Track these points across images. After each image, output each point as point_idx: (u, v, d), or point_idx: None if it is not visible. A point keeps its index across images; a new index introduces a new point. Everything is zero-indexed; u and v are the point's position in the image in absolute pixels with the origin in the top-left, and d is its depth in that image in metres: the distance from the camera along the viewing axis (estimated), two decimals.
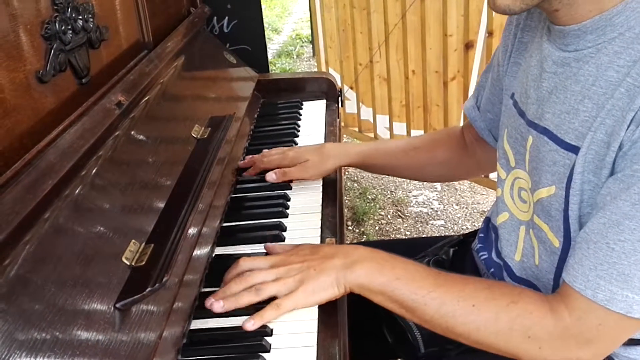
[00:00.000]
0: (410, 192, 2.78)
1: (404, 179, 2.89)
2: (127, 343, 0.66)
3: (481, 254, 0.92)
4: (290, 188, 1.12)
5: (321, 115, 1.45)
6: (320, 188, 1.13)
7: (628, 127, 0.65)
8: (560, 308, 0.69)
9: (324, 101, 1.51)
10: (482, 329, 0.72)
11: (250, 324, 0.75)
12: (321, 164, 1.11)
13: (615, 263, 0.64)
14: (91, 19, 0.86)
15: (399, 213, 2.64)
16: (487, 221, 0.97)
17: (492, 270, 0.88)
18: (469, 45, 2.44)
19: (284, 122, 1.39)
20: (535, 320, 0.70)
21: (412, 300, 0.74)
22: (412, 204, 2.69)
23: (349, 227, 2.57)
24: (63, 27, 0.78)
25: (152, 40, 1.13)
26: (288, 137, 1.32)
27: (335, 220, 1.04)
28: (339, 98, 1.53)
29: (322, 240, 0.97)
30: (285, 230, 0.98)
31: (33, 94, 0.73)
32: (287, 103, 1.49)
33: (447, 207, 2.63)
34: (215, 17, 1.54)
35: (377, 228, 2.55)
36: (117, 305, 0.67)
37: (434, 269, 0.81)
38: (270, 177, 1.12)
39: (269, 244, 0.90)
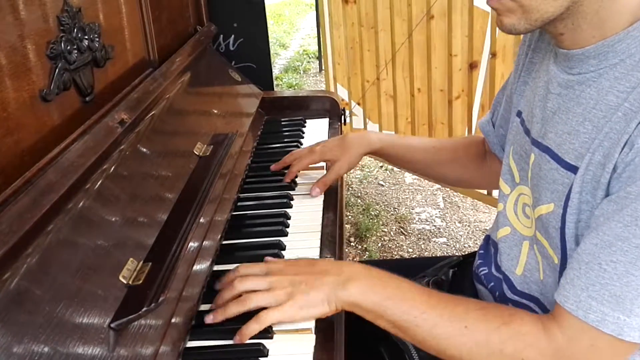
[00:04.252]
0: (413, 209, 2.78)
1: (407, 196, 2.89)
2: None
3: (481, 269, 0.92)
4: (290, 206, 1.12)
5: (324, 133, 1.45)
6: (321, 207, 1.13)
7: (622, 149, 0.66)
8: (553, 328, 0.69)
9: (327, 119, 1.52)
10: (474, 350, 0.72)
11: (237, 339, 0.76)
12: (348, 156, 1.15)
13: (607, 284, 0.65)
14: (97, 39, 0.88)
15: (402, 230, 2.63)
16: (487, 238, 0.97)
17: (492, 284, 0.88)
18: (473, 66, 2.45)
19: (287, 140, 1.40)
20: (528, 341, 0.70)
21: (404, 321, 0.74)
22: (414, 221, 2.68)
23: (352, 244, 2.57)
24: (68, 47, 0.79)
25: (158, 58, 1.14)
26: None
27: (334, 240, 1.04)
28: (342, 117, 1.54)
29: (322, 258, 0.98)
30: (284, 249, 0.99)
31: (36, 112, 0.74)
32: (291, 121, 1.50)
33: (450, 225, 2.63)
34: (221, 35, 1.56)
35: (379, 245, 2.54)
36: (112, 325, 0.68)
37: (427, 288, 0.81)
38: (315, 192, 1.15)
39: (269, 258, 0.89)
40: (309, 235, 1.03)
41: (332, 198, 1.18)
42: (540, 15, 0.70)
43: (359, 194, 2.95)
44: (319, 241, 1.02)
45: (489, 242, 0.95)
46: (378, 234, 2.61)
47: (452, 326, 0.72)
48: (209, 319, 0.78)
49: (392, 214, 2.76)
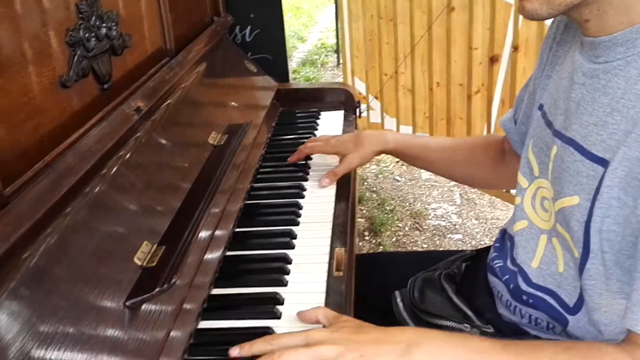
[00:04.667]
0: (429, 204, 2.77)
1: (423, 192, 2.88)
2: (135, 340, 0.68)
3: (496, 262, 0.92)
4: (303, 197, 1.14)
5: (338, 125, 1.46)
6: (333, 198, 1.14)
7: None
8: (637, 354, 0.67)
9: (342, 112, 1.53)
10: None
11: None
12: (361, 152, 1.16)
13: None
14: (115, 27, 0.89)
15: (417, 225, 2.63)
16: (503, 232, 0.97)
17: (507, 277, 0.88)
18: (493, 59, 2.43)
19: (300, 132, 1.41)
20: None
21: None
22: (430, 217, 2.67)
23: (366, 238, 2.57)
24: (87, 35, 0.81)
25: (175, 47, 1.16)
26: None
27: (345, 230, 1.05)
28: (357, 109, 1.55)
29: (332, 250, 0.99)
30: (295, 238, 1.00)
31: (55, 98, 0.76)
32: (305, 113, 1.51)
33: (466, 222, 2.61)
34: (238, 26, 1.57)
35: (394, 239, 2.54)
36: (127, 304, 0.70)
37: (497, 340, 0.74)
38: (325, 182, 1.16)
39: (302, 313, 0.80)
40: (320, 226, 1.05)
41: (345, 190, 1.18)
42: (563, 0, 0.69)
43: (374, 189, 2.95)
44: (330, 231, 1.03)
45: (505, 236, 0.95)
46: (392, 229, 2.61)
47: None
48: None
49: (407, 209, 2.75)
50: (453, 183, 2.90)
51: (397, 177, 3.05)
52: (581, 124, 0.74)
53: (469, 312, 0.89)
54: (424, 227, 2.61)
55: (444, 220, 2.64)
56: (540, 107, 0.86)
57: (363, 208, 2.79)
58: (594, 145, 0.72)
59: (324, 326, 0.77)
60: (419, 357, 0.68)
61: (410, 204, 2.80)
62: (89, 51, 0.82)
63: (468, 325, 0.86)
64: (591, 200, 0.71)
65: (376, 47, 2.96)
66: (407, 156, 1.19)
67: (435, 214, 2.70)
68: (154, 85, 0.98)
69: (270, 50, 1.61)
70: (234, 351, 0.73)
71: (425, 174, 3.03)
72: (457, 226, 2.58)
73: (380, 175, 3.07)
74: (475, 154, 1.13)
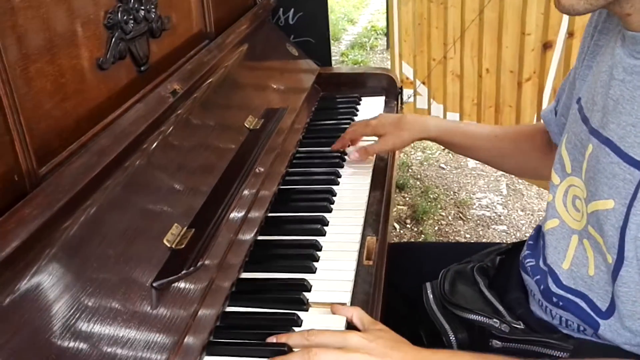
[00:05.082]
0: (474, 194, 2.71)
1: (468, 180, 2.82)
2: (161, 319, 0.69)
3: (528, 260, 0.89)
4: (337, 183, 1.13)
5: (379, 111, 1.44)
6: (368, 186, 1.13)
7: None
8: None
9: (383, 97, 1.50)
10: None
11: None
12: (399, 136, 1.14)
13: None
14: (153, 10, 0.90)
15: (461, 215, 2.57)
16: (539, 229, 0.93)
17: (538, 277, 0.85)
18: (547, 46, 2.32)
19: (340, 117, 1.40)
20: None
21: None
22: (474, 207, 2.61)
23: (408, 225, 2.54)
24: (125, 17, 0.82)
25: (215, 30, 1.16)
26: (342, 132, 1.32)
27: (379, 219, 1.04)
28: (399, 95, 1.51)
29: (363, 238, 0.98)
30: (326, 225, 0.99)
31: (92, 80, 0.78)
32: (346, 97, 1.49)
33: (512, 213, 2.54)
34: (281, 9, 1.56)
35: (436, 228, 2.50)
36: (154, 284, 0.71)
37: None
38: (354, 156, 1.16)
39: (337, 306, 0.80)
40: (353, 213, 1.04)
41: (380, 177, 1.17)
42: None
43: (419, 176, 2.90)
44: (363, 219, 1.02)
45: (540, 234, 0.91)
46: (435, 218, 2.57)
47: None
48: None
49: (451, 198, 2.70)
50: (500, 173, 2.82)
51: (443, 165, 2.99)
52: (619, 124, 0.70)
53: (500, 307, 0.87)
54: (468, 217, 2.55)
55: (488, 211, 2.58)
56: (578, 101, 0.82)
57: (406, 195, 2.75)
58: (631, 147, 0.68)
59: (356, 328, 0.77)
60: None
61: (454, 192, 2.74)
62: (127, 34, 0.83)
63: (497, 320, 0.83)
64: (627, 205, 0.67)
65: (425, 31, 2.89)
66: (449, 144, 1.16)
67: (480, 204, 2.64)
68: (191, 68, 0.98)
69: (313, 34, 1.60)
70: (272, 339, 0.74)
71: (471, 163, 2.95)
72: (502, 217, 2.51)
73: (425, 163, 3.02)
74: (521, 143, 1.09)
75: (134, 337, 0.65)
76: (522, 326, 0.84)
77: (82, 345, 0.59)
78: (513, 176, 2.76)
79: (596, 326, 0.75)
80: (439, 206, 2.63)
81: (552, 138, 1.00)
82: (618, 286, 0.71)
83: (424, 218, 2.55)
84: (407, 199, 2.72)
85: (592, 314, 0.76)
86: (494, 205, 2.61)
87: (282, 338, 0.74)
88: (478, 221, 2.51)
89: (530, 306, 0.87)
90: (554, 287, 0.81)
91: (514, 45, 2.44)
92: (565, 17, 2.21)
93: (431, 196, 2.71)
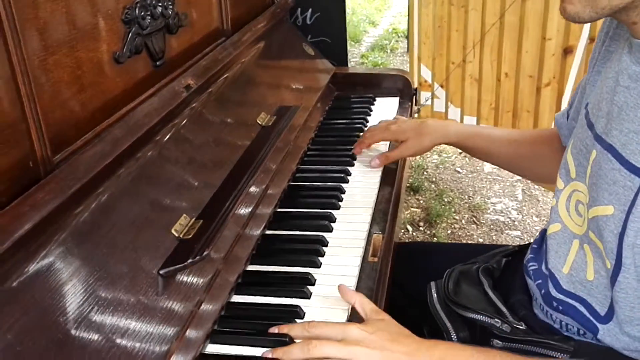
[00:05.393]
0: (488, 198, 2.69)
1: (484, 185, 2.80)
2: (166, 307, 0.71)
3: (531, 264, 0.89)
4: (347, 181, 1.14)
5: (392, 112, 1.44)
6: (377, 185, 1.14)
7: None
8: None
9: (398, 98, 1.51)
10: None
11: None
12: (419, 142, 1.15)
13: None
14: (171, 6, 0.93)
15: (474, 219, 2.56)
16: (543, 233, 0.93)
17: (539, 281, 0.85)
18: (567, 51, 2.31)
19: (353, 116, 1.41)
20: None
21: None
22: (489, 211, 2.60)
23: (421, 228, 2.54)
24: (142, 13, 0.85)
25: (232, 28, 1.18)
26: (355, 132, 1.33)
27: (386, 217, 1.04)
28: (414, 97, 1.52)
29: (369, 236, 0.99)
30: (334, 222, 1.01)
31: (108, 73, 0.80)
32: (360, 98, 1.50)
33: (526, 218, 2.52)
34: (299, 9, 1.58)
35: (449, 232, 2.49)
36: (161, 272, 0.73)
37: (523, 357, 0.74)
38: (375, 163, 1.17)
39: (343, 287, 0.81)
40: (361, 211, 1.05)
41: (390, 177, 1.18)
42: (608, 3, 0.65)
43: (434, 179, 2.90)
44: (370, 217, 1.03)
45: (544, 238, 0.92)
46: (449, 221, 2.56)
47: None
48: None
49: (465, 202, 2.69)
50: (516, 178, 2.80)
51: (458, 169, 2.98)
52: (622, 131, 0.71)
53: (503, 308, 0.87)
54: (482, 222, 2.54)
55: (503, 216, 2.56)
56: (586, 106, 0.82)
57: (420, 198, 2.75)
58: (632, 154, 0.68)
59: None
60: None
61: (469, 196, 2.73)
62: (144, 29, 0.86)
63: (499, 320, 0.83)
64: (626, 212, 0.68)
65: (445, 34, 2.89)
66: (468, 148, 1.16)
67: (494, 209, 2.62)
68: (206, 64, 1.01)
69: (330, 34, 1.61)
70: (273, 330, 0.76)
71: (487, 167, 2.94)
72: (516, 222, 2.50)
73: (440, 166, 3.01)
74: (539, 147, 1.08)
75: (139, 323, 0.67)
76: (523, 327, 0.84)
77: (88, 328, 0.61)
78: (529, 182, 2.74)
79: (595, 331, 0.76)
80: (453, 210, 2.62)
81: (563, 141, 1.00)
82: (616, 292, 0.71)
83: (437, 221, 2.54)
84: (421, 201, 2.72)
85: (591, 318, 0.76)
86: (508, 211, 2.59)
87: (284, 329, 0.75)
88: (492, 226, 2.50)
89: (533, 309, 0.88)
90: (554, 292, 0.81)
91: (534, 49, 2.43)
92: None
93: (445, 199, 2.70)
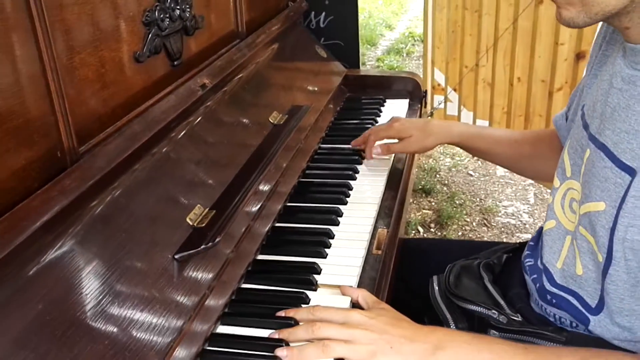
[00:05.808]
0: (500, 201, 2.71)
1: (496, 188, 2.82)
2: (180, 290, 0.76)
3: (527, 260, 0.93)
4: (354, 179, 1.18)
5: (402, 113, 1.48)
6: (384, 182, 1.18)
7: None
8: None
9: (407, 100, 1.55)
10: None
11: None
12: (423, 140, 1.18)
13: None
14: (188, 9, 0.98)
15: (485, 221, 2.58)
16: (540, 230, 0.97)
17: (535, 276, 0.89)
18: (580, 56, 2.32)
19: (363, 117, 1.45)
20: None
21: None
22: (500, 214, 2.62)
23: (431, 229, 2.56)
24: (162, 15, 0.90)
25: (247, 30, 1.24)
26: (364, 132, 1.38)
27: (391, 213, 1.09)
28: (423, 99, 1.56)
29: (374, 230, 1.03)
30: (340, 216, 1.05)
31: (129, 71, 0.86)
32: (371, 99, 1.54)
33: (537, 222, 2.53)
34: (313, 12, 1.63)
35: (460, 233, 2.52)
36: (176, 256, 0.78)
37: (521, 344, 0.77)
38: (376, 151, 1.20)
39: (345, 286, 0.86)
40: (366, 206, 1.09)
41: (397, 176, 1.22)
42: (601, 9, 0.68)
43: (446, 182, 2.92)
44: (376, 212, 1.07)
45: (540, 235, 0.95)
46: (460, 223, 2.59)
47: None
48: (283, 355, 0.74)
49: (477, 205, 2.71)
50: (529, 182, 2.81)
51: (471, 172, 3.00)
52: (614, 130, 0.74)
53: (501, 301, 0.91)
54: (493, 224, 2.56)
55: (514, 219, 2.58)
56: (583, 107, 0.85)
57: (432, 200, 2.78)
58: (623, 153, 0.71)
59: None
60: (442, 359, 0.73)
61: (481, 199, 2.75)
62: (162, 30, 0.91)
63: (496, 312, 0.87)
64: (617, 208, 0.71)
65: (459, 38, 2.92)
66: (471, 148, 1.19)
67: (506, 212, 2.64)
68: (220, 65, 1.06)
69: (343, 37, 1.66)
70: (280, 314, 0.81)
71: (500, 171, 2.96)
72: (527, 225, 2.51)
73: (453, 169, 3.04)
74: (539, 146, 1.11)
75: (154, 304, 0.72)
76: (519, 318, 0.88)
77: (111, 301, 0.66)
78: (541, 186, 2.75)
79: (587, 322, 0.79)
80: (464, 212, 2.65)
81: (562, 142, 1.03)
82: (607, 284, 0.74)
83: (449, 223, 2.57)
84: (433, 203, 2.75)
85: (583, 310, 0.79)
86: (519, 214, 2.61)
87: (290, 312, 0.80)
88: (502, 228, 2.51)
89: (530, 302, 0.91)
90: (548, 286, 0.84)
91: (547, 54, 2.44)
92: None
93: (457, 202, 2.73)
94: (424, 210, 2.70)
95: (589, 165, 0.78)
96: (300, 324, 0.78)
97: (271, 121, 1.16)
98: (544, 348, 0.76)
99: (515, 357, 0.73)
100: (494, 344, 0.76)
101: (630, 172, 0.70)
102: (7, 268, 0.57)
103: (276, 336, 0.77)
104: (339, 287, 0.86)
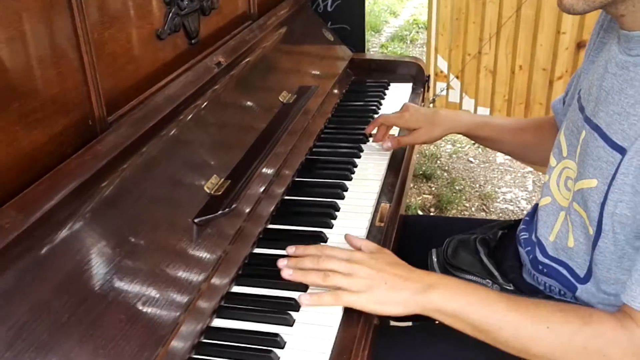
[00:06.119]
0: (499, 188, 2.77)
1: (495, 175, 2.88)
2: (199, 251, 0.83)
3: (522, 233, 0.98)
4: (359, 157, 1.24)
5: (405, 97, 1.54)
6: (387, 160, 1.24)
7: None
8: (631, 326, 0.74)
9: (411, 84, 1.60)
10: (558, 350, 0.76)
11: (306, 299, 0.82)
12: (431, 131, 1.22)
13: None
14: None
15: (484, 207, 2.64)
16: (535, 207, 1.02)
17: (528, 248, 0.95)
18: (581, 45, 2.37)
19: (368, 99, 1.51)
20: (609, 339, 0.75)
21: (486, 324, 0.79)
22: (498, 200, 2.68)
23: (431, 213, 2.62)
24: None
25: (258, 12, 1.29)
26: (369, 114, 1.43)
27: (393, 189, 1.15)
28: (426, 83, 1.61)
29: (378, 204, 1.09)
30: (346, 191, 1.11)
31: (152, 48, 0.91)
32: (375, 82, 1.60)
33: None
34: None
35: None
36: (196, 220, 0.85)
37: (505, 293, 0.84)
38: (387, 145, 1.25)
39: (350, 235, 0.93)
40: (370, 182, 1.15)
41: (399, 156, 1.27)
42: None
43: (446, 168, 2.98)
44: (379, 188, 1.13)
45: (536, 211, 1.01)
46: (459, 208, 2.65)
47: (535, 328, 0.76)
48: (287, 274, 0.84)
49: (476, 191, 2.77)
50: (527, 169, 2.87)
51: (471, 159, 3.06)
52: (607, 112, 0.78)
53: (495, 272, 0.97)
54: (491, 210, 2.62)
55: (512, 205, 2.64)
56: (579, 92, 0.90)
57: (432, 185, 2.83)
58: (615, 133, 0.76)
59: None
60: (433, 297, 0.80)
61: (480, 185, 2.81)
62: (182, 10, 0.97)
63: (490, 281, 0.93)
64: (608, 184, 0.76)
65: (462, 26, 2.95)
66: (478, 138, 1.23)
67: (504, 198, 2.70)
68: (234, 44, 1.11)
69: (350, 21, 1.70)
70: (290, 249, 0.88)
71: (500, 158, 3.01)
72: (524, 212, 2.57)
73: (454, 155, 3.09)
74: (540, 133, 1.15)
75: (175, 265, 0.78)
76: (511, 288, 0.94)
77: (134, 260, 0.72)
78: (540, 173, 2.81)
79: (574, 289, 0.85)
80: (463, 197, 2.71)
81: (559, 127, 1.08)
82: (596, 255, 0.80)
83: (448, 207, 2.63)
84: (433, 188, 2.81)
85: (571, 279, 0.86)
86: (518, 200, 2.67)
87: (300, 248, 0.88)
88: (500, 214, 2.58)
89: (522, 274, 0.97)
90: (540, 257, 0.91)
91: (549, 43, 2.49)
92: None
93: (457, 187, 2.79)
94: (424, 195, 2.76)
95: (584, 145, 0.83)
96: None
97: (281, 100, 1.21)
98: (525, 299, 0.82)
99: (499, 302, 0.79)
100: (481, 290, 0.83)
101: (621, 151, 0.75)
102: (52, 219, 0.64)
103: (283, 264, 0.85)
104: (345, 236, 0.93)
